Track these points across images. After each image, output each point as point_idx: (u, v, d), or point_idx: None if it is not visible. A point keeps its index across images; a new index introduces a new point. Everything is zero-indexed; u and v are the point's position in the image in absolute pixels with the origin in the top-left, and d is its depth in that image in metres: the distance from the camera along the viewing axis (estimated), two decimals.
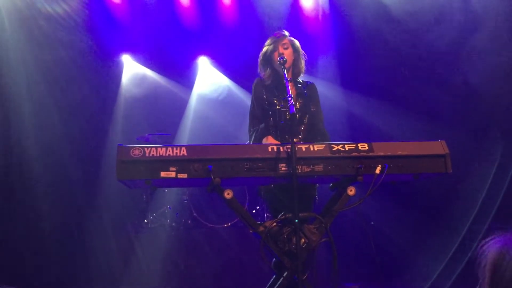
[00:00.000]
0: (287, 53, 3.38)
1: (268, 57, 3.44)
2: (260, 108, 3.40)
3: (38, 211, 5.55)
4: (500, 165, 5.01)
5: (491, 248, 0.74)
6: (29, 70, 5.89)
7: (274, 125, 3.35)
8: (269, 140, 3.24)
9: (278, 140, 3.23)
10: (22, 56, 5.85)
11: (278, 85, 3.42)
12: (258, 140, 3.29)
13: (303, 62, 3.51)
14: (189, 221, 5.79)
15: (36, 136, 5.76)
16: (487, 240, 0.76)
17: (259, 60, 3.51)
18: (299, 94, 3.42)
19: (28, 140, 5.70)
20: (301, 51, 3.51)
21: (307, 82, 3.57)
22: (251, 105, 3.50)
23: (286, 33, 3.49)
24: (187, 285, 5.09)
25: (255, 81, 3.54)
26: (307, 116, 3.39)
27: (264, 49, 3.48)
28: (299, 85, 3.49)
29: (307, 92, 3.46)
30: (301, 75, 3.55)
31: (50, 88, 6.01)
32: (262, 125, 3.34)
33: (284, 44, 3.41)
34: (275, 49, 3.40)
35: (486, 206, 4.94)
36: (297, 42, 3.49)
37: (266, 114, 3.38)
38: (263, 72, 3.48)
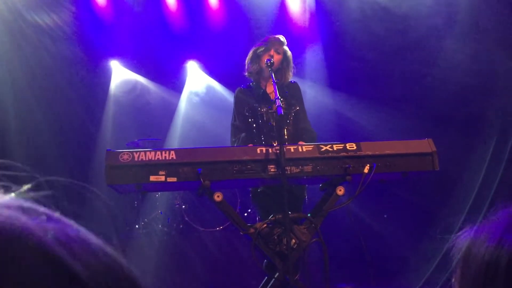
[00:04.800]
0: (277, 59, 3.35)
1: (258, 55, 3.41)
2: (242, 116, 3.39)
3: None
4: (491, 162, 5.05)
5: (460, 242, 0.75)
6: (15, 78, 5.85)
7: (258, 130, 3.34)
8: None
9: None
10: (7, 65, 5.81)
11: (259, 90, 3.44)
12: None
13: (290, 74, 3.48)
14: (181, 226, 5.78)
15: (23, 144, 5.71)
16: (458, 234, 0.77)
17: (249, 54, 3.47)
18: (281, 95, 3.41)
19: (14, 148, 5.64)
20: (291, 63, 3.48)
21: (289, 81, 3.55)
22: (232, 117, 3.49)
23: (284, 40, 3.44)
24: None
25: (236, 91, 3.54)
26: (292, 115, 3.39)
27: (257, 46, 3.43)
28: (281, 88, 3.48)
29: (288, 92, 3.46)
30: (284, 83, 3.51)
31: (37, 96, 5.97)
32: (243, 134, 3.34)
33: (277, 49, 3.40)
34: (267, 50, 3.37)
35: (478, 203, 4.98)
36: (289, 53, 3.46)
37: (248, 121, 3.37)
38: (251, 67, 3.46)
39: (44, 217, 0.42)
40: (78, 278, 0.39)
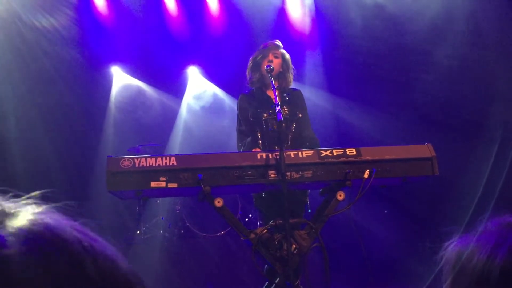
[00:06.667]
0: (276, 63, 3.40)
1: (257, 62, 3.45)
2: (246, 122, 3.42)
3: None
4: (493, 166, 5.05)
5: (450, 252, 0.76)
6: (16, 84, 5.87)
7: (262, 135, 3.36)
8: None
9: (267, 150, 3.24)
10: (8, 72, 5.82)
11: (262, 95, 3.46)
12: None
13: (291, 76, 3.52)
14: (182, 231, 5.78)
15: (23, 151, 5.72)
16: (447, 244, 0.78)
17: (248, 64, 3.52)
18: (284, 102, 3.45)
19: (14, 155, 5.65)
20: (291, 65, 3.52)
21: (292, 88, 3.59)
22: (237, 122, 3.52)
23: (279, 43, 3.51)
24: None
25: (239, 97, 3.58)
26: (294, 123, 3.41)
27: (255, 54, 3.49)
28: (284, 94, 3.51)
29: (291, 99, 3.49)
30: (288, 87, 3.56)
31: (37, 102, 5.99)
32: (249, 139, 3.36)
33: (275, 53, 3.44)
34: (265, 56, 3.42)
35: (480, 208, 4.97)
36: (287, 55, 3.51)
37: (252, 127, 3.40)
38: (253, 76, 3.49)
39: (89, 237, 0.52)
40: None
